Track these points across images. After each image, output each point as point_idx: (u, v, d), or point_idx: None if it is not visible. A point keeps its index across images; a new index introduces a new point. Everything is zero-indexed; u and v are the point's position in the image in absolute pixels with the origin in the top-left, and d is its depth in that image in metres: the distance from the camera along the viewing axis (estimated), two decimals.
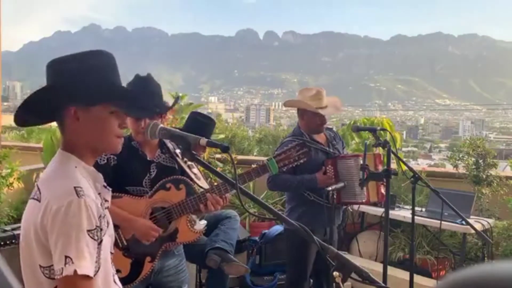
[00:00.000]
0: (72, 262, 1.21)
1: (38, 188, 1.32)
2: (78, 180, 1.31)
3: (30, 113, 1.40)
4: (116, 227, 2.16)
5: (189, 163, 2.35)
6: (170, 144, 2.34)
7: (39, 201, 1.28)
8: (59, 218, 1.23)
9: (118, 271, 2.12)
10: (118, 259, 2.16)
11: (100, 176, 1.47)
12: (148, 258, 2.20)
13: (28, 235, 1.29)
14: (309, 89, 3.20)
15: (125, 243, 2.19)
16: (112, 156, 2.19)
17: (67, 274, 1.21)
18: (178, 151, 2.34)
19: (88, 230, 1.25)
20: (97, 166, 2.11)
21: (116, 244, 2.16)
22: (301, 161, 2.31)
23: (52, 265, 1.25)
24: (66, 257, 1.22)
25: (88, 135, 1.35)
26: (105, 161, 2.19)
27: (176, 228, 2.22)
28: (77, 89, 1.33)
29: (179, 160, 2.31)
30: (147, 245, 2.17)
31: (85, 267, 1.23)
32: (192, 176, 2.27)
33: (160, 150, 2.31)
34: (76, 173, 1.33)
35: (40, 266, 1.28)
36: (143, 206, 2.20)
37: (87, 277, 1.23)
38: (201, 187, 2.24)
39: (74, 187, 1.27)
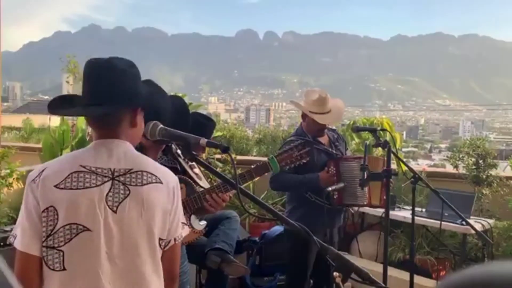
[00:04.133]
0: (186, 225, 1.57)
1: (152, 174, 1.45)
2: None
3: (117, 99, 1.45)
4: None
5: (191, 163, 2.34)
6: (173, 145, 2.33)
7: (162, 183, 1.46)
8: (178, 194, 1.51)
9: None
10: None
11: None
12: None
13: (161, 214, 1.44)
14: (313, 93, 3.14)
15: None
16: None
17: (184, 235, 1.53)
18: (180, 151, 2.34)
19: None
20: None
21: None
22: (303, 160, 2.29)
23: (165, 239, 1.47)
24: (182, 223, 1.52)
25: (138, 135, 1.55)
26: None
27: None
28: (145, 94, 1.54)
29: (181, 160, 2.30)
30: None
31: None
32: (194, 176, 2.26)
33: (162, 152, 2.30)
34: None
35: (160, 239, 1.45)
36: None
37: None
38: (202, 187, 2.23)
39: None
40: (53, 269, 1.34)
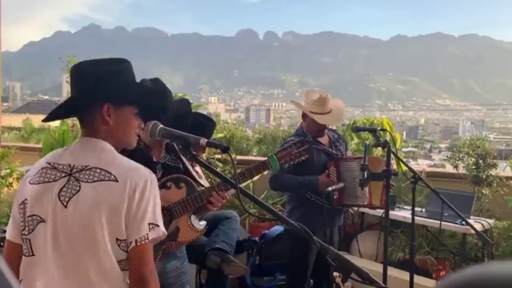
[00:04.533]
0: (158, 226, 1.45)
1: (106, 171, 1.45)
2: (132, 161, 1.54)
3: (66, 108, 1.58)
4: None
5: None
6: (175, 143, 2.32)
7: (117, 181, 1.43)
8: (145, 193, 1.43)
9: None
10: None
11: None
12: None
13: (111, 213, 1.42)
14: (314, 92, 3.14)
15: None
16: None
17: (154, 237, 1.43)
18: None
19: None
20: None
21: None
22: (302, 158, 2.29)
23: (125, 239, 1.43)
24: (150, 224, 1.43)
25: (117, 131, 1.52)
26: None
27: (177, 227, 2.21)
28: (115, 87, 1.50)
29: (183, 158, 2.30)
30: None
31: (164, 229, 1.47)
32: (195, 174, 2.26)
33: (166, 151, 2.29)
34: (123, 157, 1.54)
35: (117, 239, 1.43)
36: None
37: (163, 234, 1.47)
38: (203, 185, 2.22)
39: (143, 167, 1.50)
40: (25, 255, 1.49)
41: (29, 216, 1.47)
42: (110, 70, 1.50)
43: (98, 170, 1.45)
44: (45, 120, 1.59)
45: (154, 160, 2.24)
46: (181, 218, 2.19)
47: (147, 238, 1.43)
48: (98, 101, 1.49)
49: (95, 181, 1.43)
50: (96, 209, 1.41)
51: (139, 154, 2.21)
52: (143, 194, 1.43)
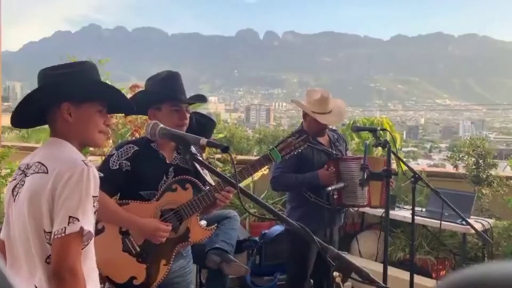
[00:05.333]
0: (78, 221, 1.38)
1: (42, 164, 1.47)
2: (79, 153, 1.53)
3: (26, 113, 1.61)
4: (126, 233, 2.14)
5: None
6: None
7: (47, 173, 1.44)
8: (70, 184, 1.39)
9: (133, 278, 2.11)
10: (133, 266, 2.13)
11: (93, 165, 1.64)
12: (163, 261, 2.16)
13: (37, 204, 1.43)
14: (315, 92, 3.14)
15: (138, 249, 2.15)
16: (124, 161, 2.13)
17: (71, 231, 1.37)
18: (192, 148, 2.33)
19: (94, 196, 1.44)
20: (109, 171, 2.09)
21: (129, 251, 2.14)
22: (302, 147, 2.28)
23: (49, 231, 1.42)
24: (70, 217, 1.38)
25: (78, 129, 1.55)
26: (117, 166, 2.13)
27: (187, 228, 2.20)
28: (71, 87, 1.53)
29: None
30: (161, 248, 2.13)
31: (90, 223, 1.42)
32: (203, 173, 2.25)
33: (176, 151, 2.26)
34: (75, 150, 1.54)
35: (45, 232, 1.43)
36: (152, 210, 2.15)
37: (88, 232, 1.42)
38: (211, 184, 2.22)
39: (82, 160, 1.46)
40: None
41: (3, 216, 1.59)
42: (66, 72, 1.55)
43: (37, 164, 1.49)
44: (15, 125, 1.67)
45: (167, 162, 2.23)
46: (191, 218, 2.19)
47: (64, 232, 1.38)
48: (56, 102, 1.53)
49: (31, 174, 1.49)
50: (26, 201, 1.45)
51: (154, 156, 2.20)
52: (67, 185, 1.39)
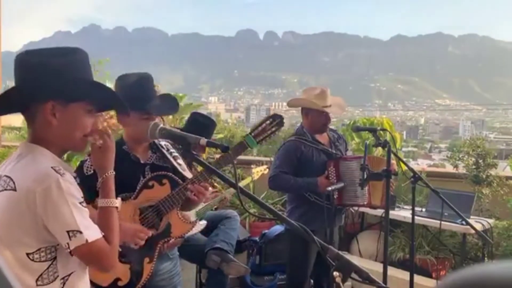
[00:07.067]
0: (80, 233, 1.28)
1: (10, 178, 1.29)
2: (51, 160, 1.33)
3: (6, 109, 1.42)
4: None
5: (175, 154, 2.31)
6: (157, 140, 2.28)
7: (15, 190, 1.27)
8: (50, 199, 1.25)
9: (118, 279, 2.06)
10: (116, 267, 2.11)
11: (71, 168, 1.47)
12: (146, 259, 2.14)
13: (7, 228, 1.29)
14: (314, 88, 3.20)
15: (119, 249, 2.14)
16: None
17: (77, 245, 1.28)
18: (163, 143, 2.28)
19: (80, 202, 1.31)
20: (84, 177, 2.04)
21: None
22: (277, 131, 2.25)
23: (41, 248, 1.29)
24: (68, 231, 1.27)
25: (61, 133, 1.36)
26: (91, 171, 2.03)
27: (168, 223, 2.18)
28: (60, 84, 1.32)
29: (164, 152, 2.27)
30: (143, 246, 2.09)
31: (93, 232, 1.32)
32: (178, 167, 2.24)
33: (151, 150, 2.24)
34: (47, 157, 1.34)
35: (28, 254, 1.28)
36: (130, 209, 2.12)
37: (99, 239, 1.33)
38: (188, 178, 2.19)
39: (52, 167, 1.28)
40: None
41: None
42: (56, 63, 1.31)
43: (5, 178, 1.30)
44: None
45: (142, 162, 2.22)
46: (171, 213, 2.17)
47: (69, 248, 1.28)
48: (41, 99, 1.32)
49: (0, 191, 1.30)
50: (3, 221, 1.28)
51: (126, 158, 2.17)
52: (47, 201, 1.25)
